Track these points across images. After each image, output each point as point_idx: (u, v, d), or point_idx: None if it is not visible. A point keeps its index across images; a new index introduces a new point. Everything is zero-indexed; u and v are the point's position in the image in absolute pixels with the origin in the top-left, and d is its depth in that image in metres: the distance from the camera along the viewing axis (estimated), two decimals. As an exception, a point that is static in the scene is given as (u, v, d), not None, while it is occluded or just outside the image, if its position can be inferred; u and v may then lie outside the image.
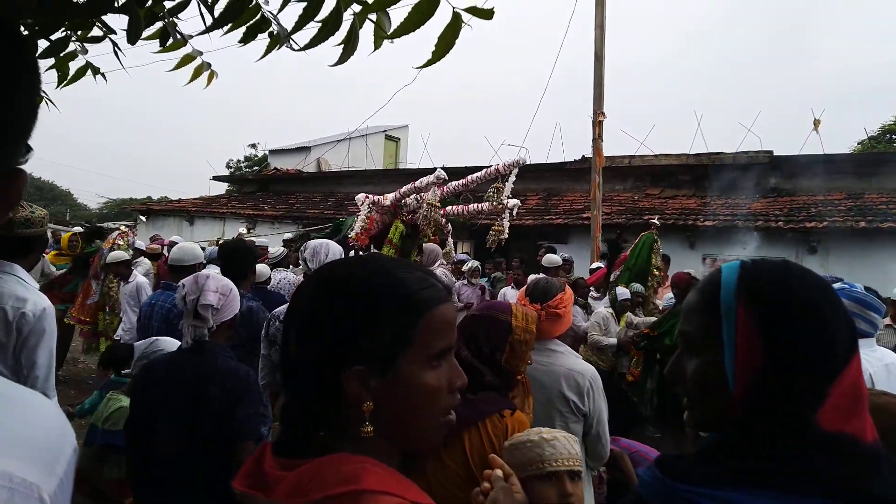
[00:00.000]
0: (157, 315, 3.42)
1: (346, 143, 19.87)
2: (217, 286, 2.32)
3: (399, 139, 23.61)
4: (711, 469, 0.75)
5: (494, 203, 6.04)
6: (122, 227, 7.53)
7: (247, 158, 33.61)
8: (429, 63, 0.95)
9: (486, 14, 0.87)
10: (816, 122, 11.00)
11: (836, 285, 4.38)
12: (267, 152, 23.49)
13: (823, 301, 0.79)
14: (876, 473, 0.70)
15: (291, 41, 1.16)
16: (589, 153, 9.51)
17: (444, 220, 6.59)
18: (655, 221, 7.09)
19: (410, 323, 0.81)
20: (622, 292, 6.22)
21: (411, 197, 6.41)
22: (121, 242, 6.35)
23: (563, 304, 2.47)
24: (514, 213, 6.53)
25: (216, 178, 21.33)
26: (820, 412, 0.73)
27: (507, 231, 6.29)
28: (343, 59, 1.06)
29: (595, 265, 8.13)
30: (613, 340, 5.94)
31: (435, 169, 5.97)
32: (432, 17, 0.92)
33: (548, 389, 2.36)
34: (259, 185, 20.30)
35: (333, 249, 3.13)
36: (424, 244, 6.48)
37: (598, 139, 9.08)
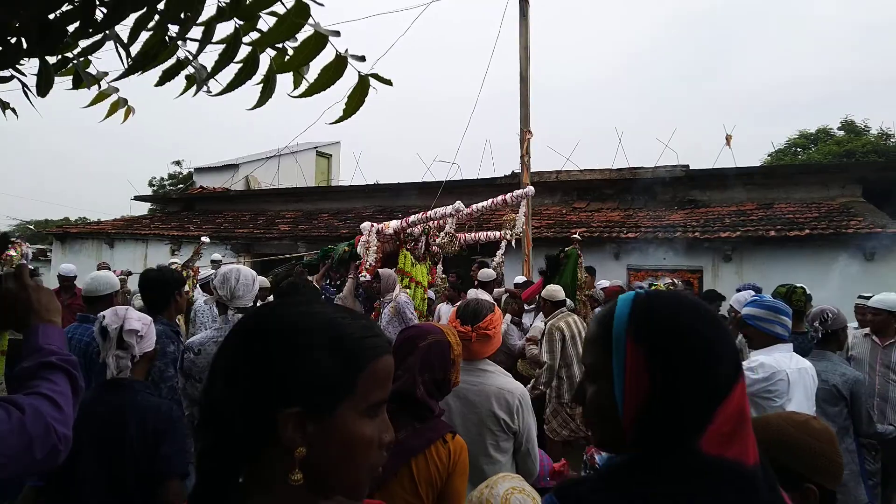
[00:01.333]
0: (75, 350, 3.25)
1: (275, 160, 19.53)
2: (138, 315, 2.27)
3: (331, 155, 23.40)
4: (604, 497, 0.81)
5: (511, 234, 6.58)
6: (14, 239, 7.09)
7: (171, 176, 32.40)
8: (339, 120, 0.99)
9: (387, 81, 0.92)
10: (728, 138, 11.74)
11: (749, 294, 4.67)
12: (192, 170, 22.73)
13: (710, 333, 0.84)
14: (753, 495, 0.77)
15: (208, 85, 1.17)
16: (519, 169, 9.77)
17: (457, 248, 6.90)
18: (577, 236, 7.29)
19: (354, 371, 0.80)
20: None
21: (419, 227, 6.61)
22: (13, 254, 5.92)
23: (493, 325, 2.53)
24: (513, 243, 7.44)
25: (138, 198, 20.42)
26: (703, 438, 0.79)
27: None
28: (261, 102, 1.08)
29: (521, 279, 8.27)
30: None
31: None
32: (341, 78, 0.97)
33: (479, 409, 2.41)
34: (184, 205, 19.59)
35: (245, 275, 2.99)
36: (380, 270, 6.42)
37: (525, 156, 9.34)
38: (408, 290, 6.26)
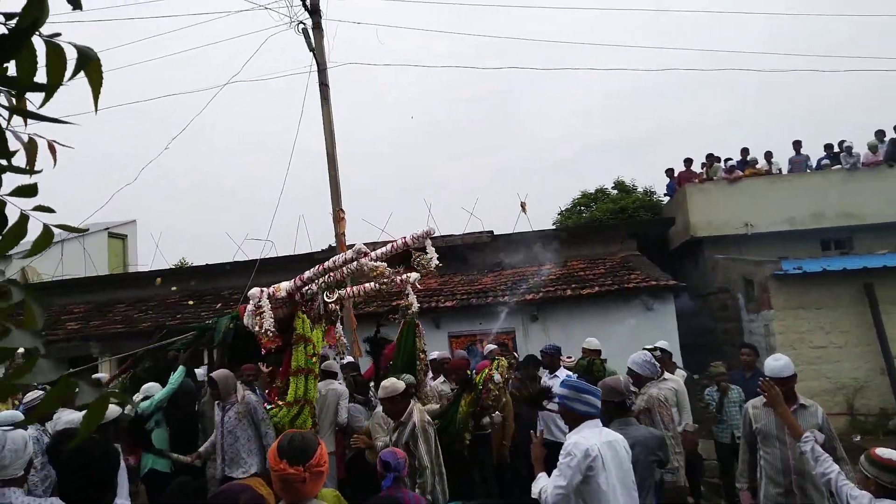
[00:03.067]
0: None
1: (58, 247, 17.26)
2: None
3: (126, 236, 21.32)
4: None
5: (425, 271, 5.76)
6: None
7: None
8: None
9: (76, 229, 1.09)
10: (523, 206, 12.92)
11: (641, 355, 5.01)
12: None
13: None
14: None
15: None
16: (335, 242, 9.73)
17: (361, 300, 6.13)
18: (411, 310, 6.98)
19: None
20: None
21: (316, 282, 5.63)
22: None
23: (324, 460, 2.39)
24: (416, 285, 6.67)
25: None
26: None
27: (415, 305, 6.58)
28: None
29: (349, 359, 8.11)
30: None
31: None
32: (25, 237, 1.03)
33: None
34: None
35: (13, 440, 2.53)
36: (215, 373, 5.71)
37: (340, 235, 9.37)
38: (312, 360, 5.51)
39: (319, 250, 14.08)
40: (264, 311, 5.26)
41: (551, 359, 6.74)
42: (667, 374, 5.96)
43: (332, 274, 5.49)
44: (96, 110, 1.05)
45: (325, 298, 6.13)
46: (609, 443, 3.21)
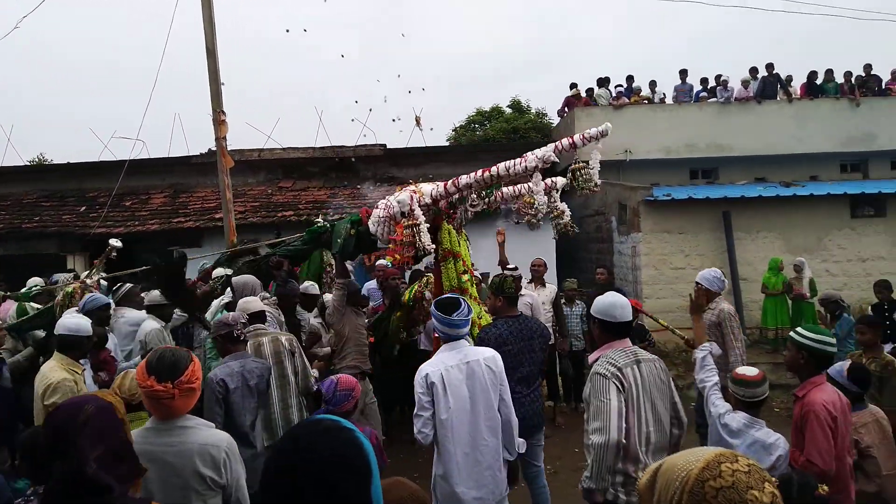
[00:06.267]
0: None
1: None
2: None
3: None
4: None
5: (582, 189, 4.49)
6: None
7: None
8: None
9: None
10: (418, 120, 12.74)
11: (711, 272, 5.16)
12: None
13: None
14: None
15: None
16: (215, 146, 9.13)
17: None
18: (321, 221, 7.05)
19: None
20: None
21: (474, 189, 4.52)
22: None
23: (196, 377, 2.34)
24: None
25: None
26: None
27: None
28: None
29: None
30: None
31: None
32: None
33: (181, 471, 2.27)
34: None
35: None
36: (235, 279, 5.16)
37: (221, 139, 8.77)
38: (466, 279, 4.68)
39: (198, 154, 13.22)
40: (420, 223, 4.25)
41: None
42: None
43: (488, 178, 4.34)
44: None
45: (471, 205, 5.05)
46: (465, 364, 3.13)
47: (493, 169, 4.32)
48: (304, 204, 11.62)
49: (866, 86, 13.33)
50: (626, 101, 13.26)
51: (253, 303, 4.38)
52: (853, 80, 13.38)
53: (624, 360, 2.77)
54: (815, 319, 8.42)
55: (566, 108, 14.15)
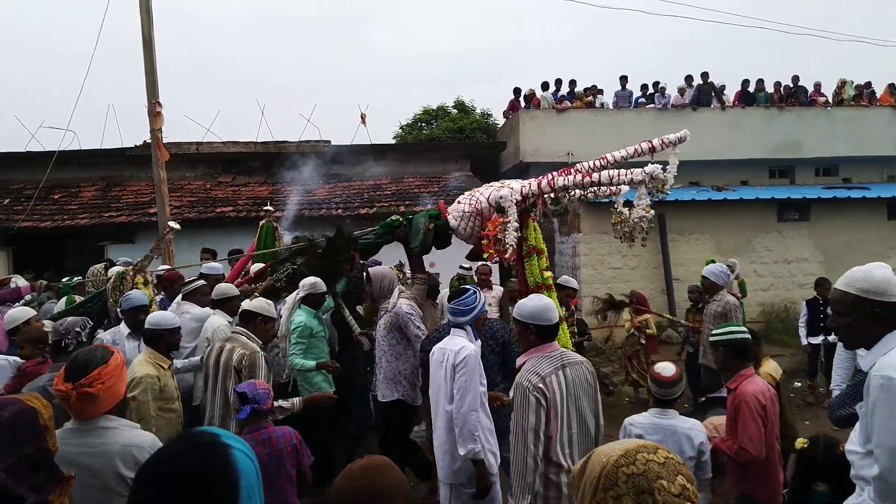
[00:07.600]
0: None
1: None
2: None
3: None
4: None
5: (656, 189, 4.40)
6: None
7: None
8: None
9: None
10: (363, 117, 12.60)
11: (718, 266, 5.66)
12: None
13: None
14: None
15: None
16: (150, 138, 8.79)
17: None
18: (270, 208, 7.40)
19: None
20: None
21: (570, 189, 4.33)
22: None
23: (101, 380, 2.19)
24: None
25: None
26: None
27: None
28: None
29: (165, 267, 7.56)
30: None
31: None
32: None
33: (101, 473, 2.18)
34: None
35: None
36: (373, 270, 4.91)
37: (156, 131, 8.47)
38: (548, 275, 4.54)
39: (132, 146, 12.69)
40: (510, 221, 4.17)
41: None
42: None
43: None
44: None
45: (547, 201, 4.84)
46: (452, 350, 3.26)
47: (596, 175, 4.35)
48: (245, 199, 11.35)
49: (794, 96, 14.08)
50: (569, 104, 13.54)
51: (230, 293, 4.72)
52: (782, 89, 14.11)
53: (549, 368, 2.72)
54: (744, 319, 8.82)
55: (511, 111, 14.34)
